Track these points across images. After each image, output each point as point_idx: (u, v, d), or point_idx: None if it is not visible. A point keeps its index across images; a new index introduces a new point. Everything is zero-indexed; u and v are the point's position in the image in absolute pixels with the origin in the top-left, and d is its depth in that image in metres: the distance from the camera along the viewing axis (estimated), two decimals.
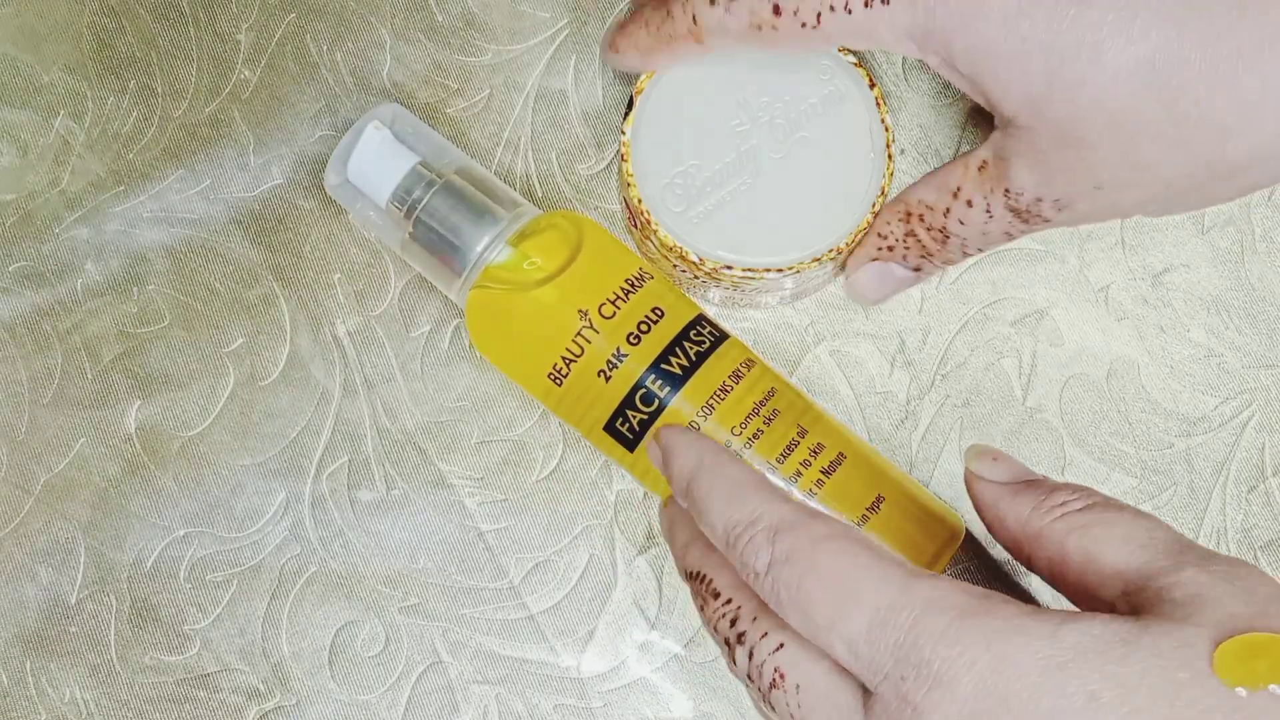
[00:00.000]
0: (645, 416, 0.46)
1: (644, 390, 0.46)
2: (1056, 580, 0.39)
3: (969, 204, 0.44)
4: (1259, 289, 0.53)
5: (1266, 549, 0.52)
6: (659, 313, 0.47)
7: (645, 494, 0.52)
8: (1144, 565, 0.36)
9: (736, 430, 0.46)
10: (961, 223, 0.44)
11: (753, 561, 0.38)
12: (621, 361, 0.46)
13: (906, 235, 0.46)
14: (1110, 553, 0.37)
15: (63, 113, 0.54)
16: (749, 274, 0.47)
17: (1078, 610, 0.36)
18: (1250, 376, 0.53)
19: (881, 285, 0.48)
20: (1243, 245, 0.53)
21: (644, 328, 0.46)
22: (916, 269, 0.47)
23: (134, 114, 0.54)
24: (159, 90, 0.54)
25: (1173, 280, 0.53)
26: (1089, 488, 0.40)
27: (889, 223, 0.46)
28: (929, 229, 0.45)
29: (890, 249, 0.47)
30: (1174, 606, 0.34)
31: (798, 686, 0.37)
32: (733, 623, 0.39)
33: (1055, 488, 0.40)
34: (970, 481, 0.43)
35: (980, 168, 0.43)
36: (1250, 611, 0.33)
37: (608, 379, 0.46)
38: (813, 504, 0.40)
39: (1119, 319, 0.53)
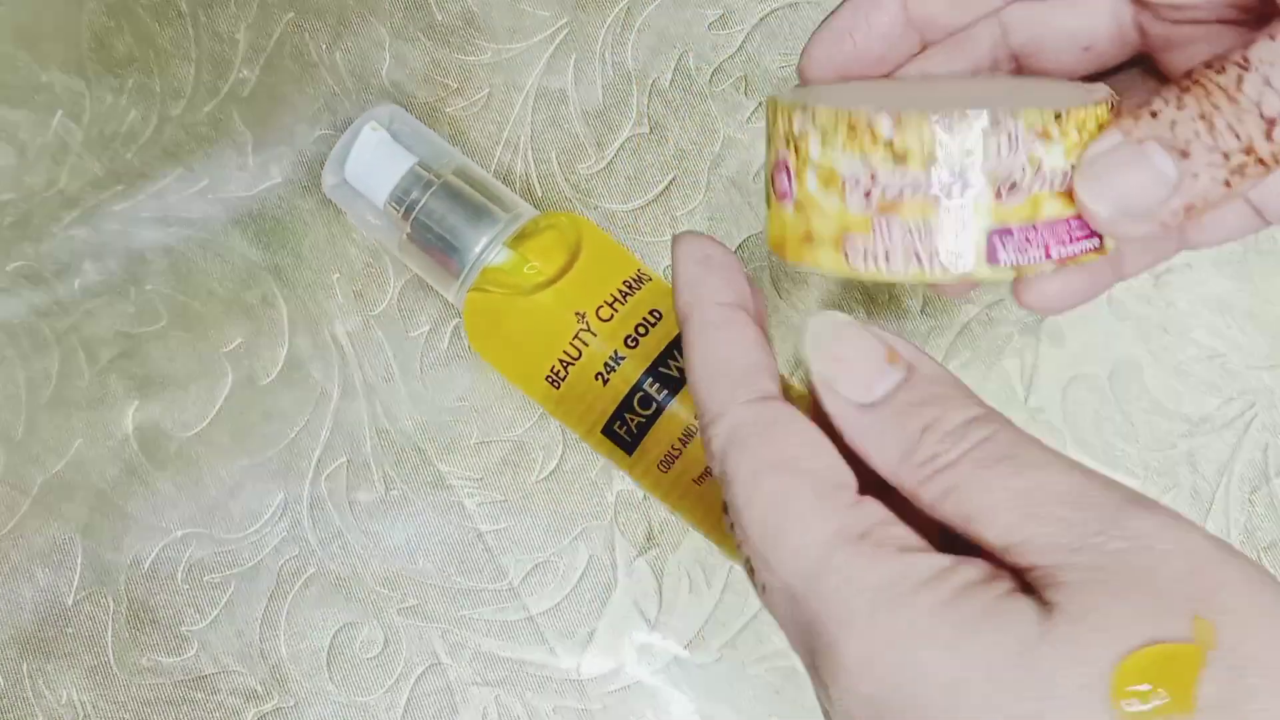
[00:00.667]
0: (643, 420, 0.46)
1: (642, 393, 0.46)
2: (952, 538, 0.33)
3: None
4: (1262, 289, 0.53)
5: (1269, 550, 0.52)
6: (657, 315, 0.46)
7: (645, 495, 0.52)
8: (1032, 542, 0.31)
9: None
10: (1273, 38, 0.33)
11: (709, 461, 0.34)
12: (619, 364, 0.46)
13: (1183, 92, 0.34)
14: (995, 524, 0.31)
15: (61, 112, 0.54)
16: (937, 134, 0.33)
17: (997, 599, 0.30)
18: (1253, 377, 0.52)
19: (1133, 176, 0.34)
20: (1245, 245, 0.53)
21: (642, 330, 0.46)
22: (1184, 153, 0.34)
23: (132, 113, 0.54)
24: (157, 89, 0.54)
25: (1176, 280, 0.53)
26: (974, 412, 0.32)
27: (1159, 94, 0.35)
28: (1219, 69, 0.34)
29: (1154, 115, 0.34)
30: (1071, 593, 0.30)
31: (764, 587, 0.34)
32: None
33: (926, 424, 0.32)
34: (817, 392, 0.34)
35: None
36: (1152, 609, 0.29)
37: (605, 382, 0.46)
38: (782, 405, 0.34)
39: (1121, 319, 0.53)
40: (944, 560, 0.31)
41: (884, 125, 0.33)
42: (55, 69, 0.54)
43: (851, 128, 0.34)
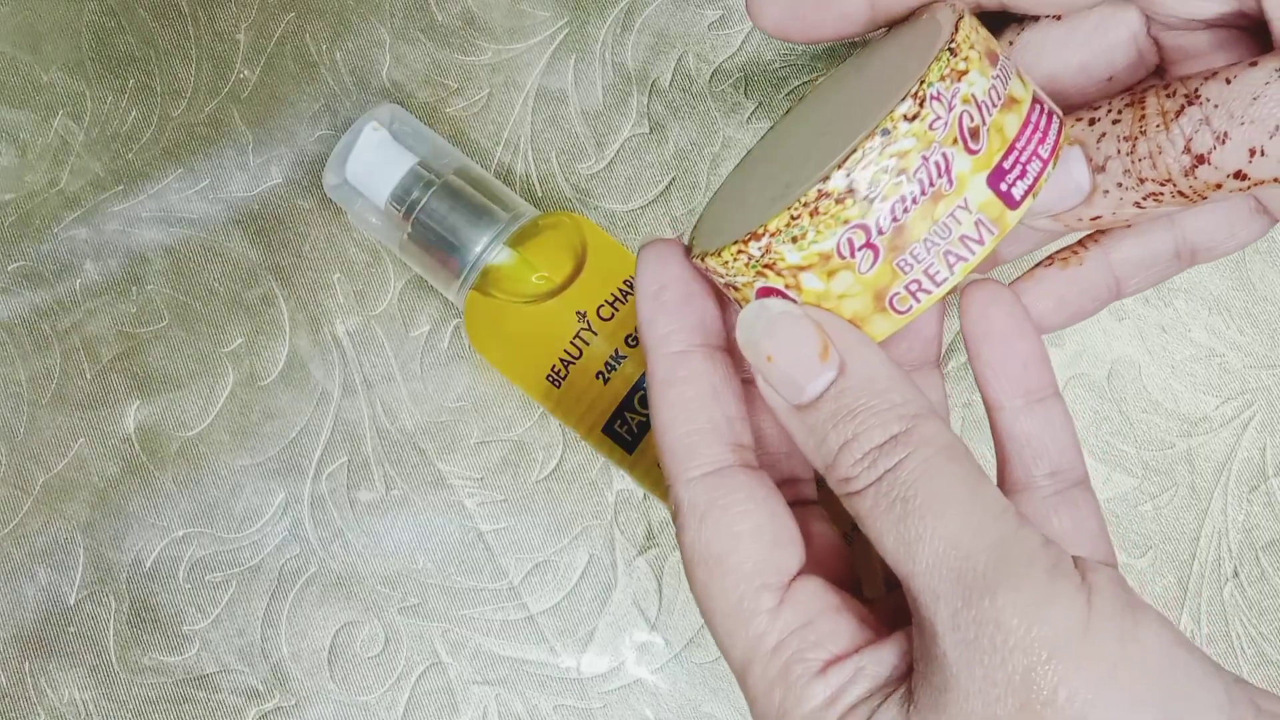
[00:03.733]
0: (644, 419, 0.46)
1: (642, 392, 0.46)
2: None
3: (1253, 65, 0.33)
4: (1260, 289, 0.53)
5: (1267, 549, 0.52)
6: None
7: (645, 494, 0.52)
8: (918, 603, 0.30)
9: None
10: (1228, 81, 0.32)
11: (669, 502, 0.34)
12: (620, 364, 0.46)
13: (1125, 107, 0.34)
14: (894, 564, 0.31)
15: (62, 112, 0.54)
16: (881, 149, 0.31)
17: (872, 696, 0.31)
18: (1252, 376, 0.52)
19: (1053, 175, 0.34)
20: None
21: None
22: (1100, 169, 0.34)
23: (133, 113, 0.54)
24: (158, 89, 0.54)
25: (1174, 280, 0.53)
26: (894, 429, 0.31)
27: (1110, 100, 0.35)
28: (1170, 93, 0.33)
29: (1092, 122, 0.34)
30: (926, 694, 0.30)
31: None
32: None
33: (845, 439, 0.31)
34: (757, 385, 0.33)
35: None
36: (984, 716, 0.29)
37: (606, 381, 0.46)
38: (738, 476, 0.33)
39: (1120, 319, 0.53)
40: (841, 677, 0.31)
41: (839, 180, 0.31)
42: (56, 69, 0.54)
43: (813, 210, 0.31)
